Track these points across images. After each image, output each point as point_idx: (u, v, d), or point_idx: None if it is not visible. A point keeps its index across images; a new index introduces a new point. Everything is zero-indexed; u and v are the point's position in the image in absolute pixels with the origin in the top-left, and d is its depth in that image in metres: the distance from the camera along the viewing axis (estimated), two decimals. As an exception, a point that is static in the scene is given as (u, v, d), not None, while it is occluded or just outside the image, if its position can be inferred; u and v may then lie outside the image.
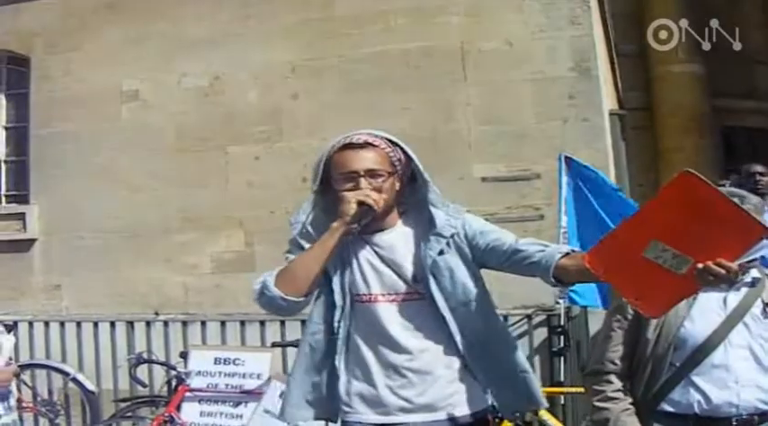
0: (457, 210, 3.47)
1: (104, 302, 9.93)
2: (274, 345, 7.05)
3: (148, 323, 8.24)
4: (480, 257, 3.40)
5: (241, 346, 7.69)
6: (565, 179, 6.63)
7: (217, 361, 6.60)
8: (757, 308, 3.53)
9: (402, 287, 3.37)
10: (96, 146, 10.43)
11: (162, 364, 7.16)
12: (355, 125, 10.08)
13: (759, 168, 7.43)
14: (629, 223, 2.97)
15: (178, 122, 10.23)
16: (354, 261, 3.41)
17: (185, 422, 6.44)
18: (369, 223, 3.34)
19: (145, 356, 7.02)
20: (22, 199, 10.93)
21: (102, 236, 10.19)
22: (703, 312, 3.49)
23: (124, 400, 7.33)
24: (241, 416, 6.42)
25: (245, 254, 9.83)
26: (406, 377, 3.34)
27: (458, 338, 3.35)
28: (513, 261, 3.32)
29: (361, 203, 3.28)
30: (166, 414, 6.47)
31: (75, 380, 7.93)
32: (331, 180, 3.42)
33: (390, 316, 3.35)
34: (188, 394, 6.53)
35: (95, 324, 8.43)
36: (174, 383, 6.80)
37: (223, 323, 8.01)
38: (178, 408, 6.50)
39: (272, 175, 9.74)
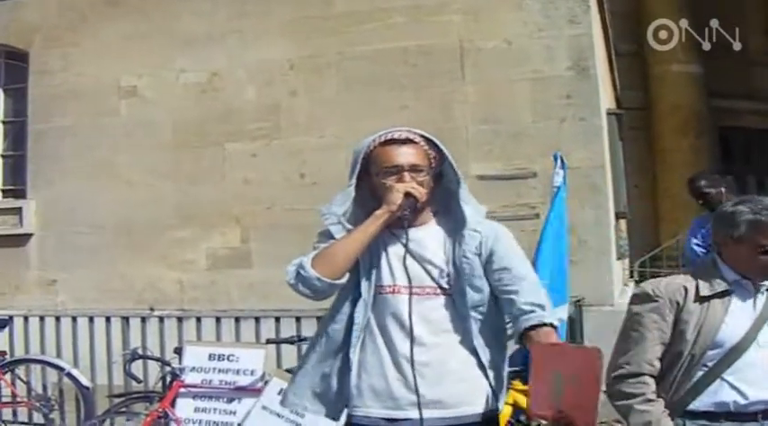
0: (481, 210, 3.51)
1: (100, 297, 9.94)
2: (269, 342, 7.02)
3: (144, 319, 8.21)
4: (486, 272, 3.44)
5: (236, 342, 7.67)
6: (558, 178, 6.61)
7: (211, 357, 6.57)
8: None
9: (427, 281, 3.38)
10: (94, 141, 10.44)
11: (156, 360, 7.13)
12: (353, 122, 10.19)
13: (703, 183, 7.37)
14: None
15: (176, 118, 10.23)
16: (383, 254, 3.43)
17: (179, 418, 6.42)
18: (405, 217, 3.37)
19: (140, 351, 6.98)
20: (19, 193, 10.94)
21: (98, 232, 10.19)
22: (737, 315, 3.53)
23: (119, 395, 7.30)
24: (235, 412, 6.39)
25: (241, 251, 9.84)
26: (417, 369, 3.31)
27: (475, 336, 3.38)
28: (500, 298, 3.41)
29: (407, 194, 3.32)
30: (161, 410, 6.45)
31: (69, 375, 7.89)
32: (369, 174, 3.43)
33: (414, 310, 3.34)
34: (182, 389, 6.51)
35: (91, 320, 8.40)
36: (168, 379, 6.77)
37: (218, 320, 7.99)
38: (172, 404, 6.47)
39: (270, 172, 9.75)
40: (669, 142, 19.19)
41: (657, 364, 3.55)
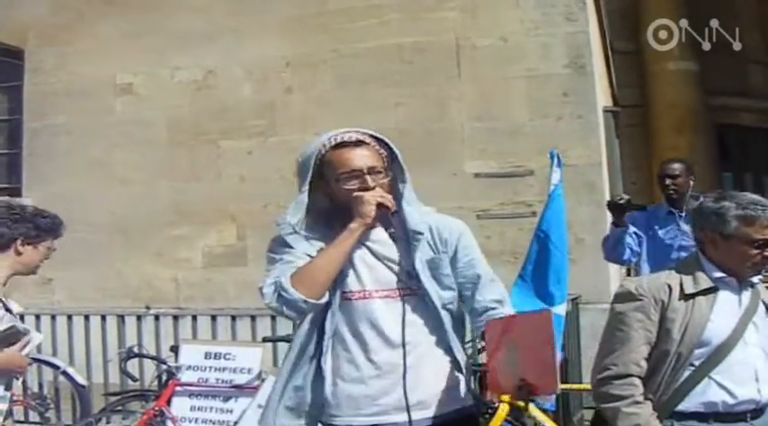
0: (427, 211, 3.51)
1: (96, 296, 9.92)
2: (265, 340, 7.01)
3: (139, 318, 8.21)
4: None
5: (232, 341, 7.66)
6: (555, 176, 6.59)
7: (207, 356, 6.57)
8: (761, 308, 3.60)
9: (396, 282, 3.34)
10: (89, 139, 10.42)
11: (152, 358, 7.13)
12: (349, 120, 10.09)
13: (671, 170, 7.14)
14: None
15: (171, 116, 10.22)
16: (347, 260, 3.35)
17: (175, 417, 6.41)
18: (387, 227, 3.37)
19: (135, 350, 6.98)
20: (15, 192, 10.90)
21: (94, 230, 10.16)
22: (723, 312, 3.51)
23: (114, 394, 7.30)
24: (231, 411, 6.39)
25: (236, 248, 9.83)
26: (398, 373, 3.27)
27: (449, 333, 3.37)
28: (461, 288, 3.45)
29: (380, 204, 3.28)
30: (156, 408, 6.44)
31: (65, 374, 7.89)
32: (323, 179, 3.37)
33: (384, 312, 3.31)
34: (178, 388, 6.51)
35: (86, 318, 8.39)
36: (164, 377, 6.77)
37: (214, 318, 7.99)
38: (168, 402, 6.47)
39: (265, 170, 9.73)
40: (666, 140, 19.16)
41: (644, 364, 3.51)
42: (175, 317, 8.23)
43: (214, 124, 10.04)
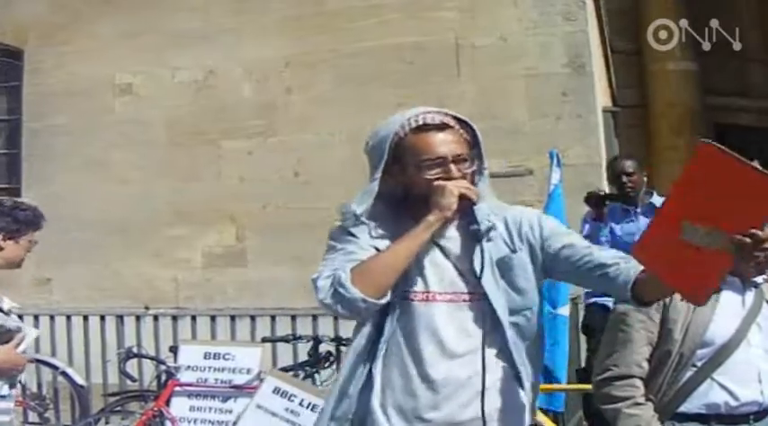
0: (502, 206, 3.12)
1: (95, 296, 9.92)
2: (264, 340, 7.01)
3: (138, 318, 8.20)
4: (549, 262, 3.02)
5: (231, 341, 7.66)
6: (555, 176, 6.60)
7: (206, 356, 6.55)
8: (765, 308, 3.59)
9: (462, 285, 2.96)
10: (89, 139, 10.41)
11: (151, 358, 7.12)
12: (348, 120, 10.15)
13: (626, 168, 7.09)
14: (661, 209, 2.75)
15: (171, 116, 10.21)
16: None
17: (174, 417, 6.40)
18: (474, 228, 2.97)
19: (134, 350, 6.97)
20: (14, 192, 10.88)
21: (93, 230, 10.16)
22: (725, 312, 3.49)
23: (113, 394, 7.29)
24: (231, 411, 6.38)
25: (236, 249, 9.83)
26: (452, 386, 2.91)
27: (513, 346, 2.96)
28: (583, 271, 2.94)
29: (462, 196, 2.91)
30: (156, 409, 6.44)
31: (64, 374, 7.89)
32: (399, 164, 3.00)
33: (446, 318, 2.93)
34: (177, 388, 6.49)
35: (85, 318, 8.39)
36: (163, 377, 6.76)
37: (213, 318, 7.98)
38: (167, 402, 6.46)
39: (265, 170, 9.73)
40: (665, 139, 19.14)
41: (646, 365, 3.50)
42: (174, 318, 8.22)
43: (214, 124, 10.04)
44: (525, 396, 2.99)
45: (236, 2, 10.14)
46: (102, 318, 8.39)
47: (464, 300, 2.96)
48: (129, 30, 10.37)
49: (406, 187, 3.02)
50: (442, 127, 2.97)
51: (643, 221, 6.80)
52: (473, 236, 2.97)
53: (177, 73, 10.24)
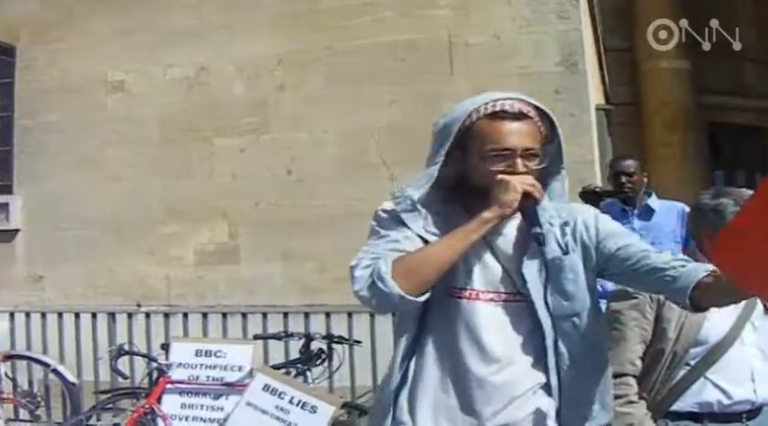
0: (569, 207, 2.92)
1: (87, 293, 9.90)
2: (256, 337, 7.01)
3: (130, 315, 8.20)
4: (603, 263, 2.85)
5: (223, 338, 7.65)
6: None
7: (198, 353, 6.53)
8: (760, 307, 3.58)
9: (506, 285, 2.80)
10: (81, 136, 10.39)
11: (143, 356, 7.11)
12: (341, 117, 10.16)
13: (626, 167, 7.03)
14: (748, 209, 2.54)
15: (163, 113, 10.19)
16: None
17: (166, 414, 6.38)
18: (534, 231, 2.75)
19: (126, 348, 6.96)
20: (6, 189, 10.87)
21: (85, 227, 10.15)
22: (719, 311, 3.47)
23: (105, 392, 7.29)
24: (222, 408, 6.36)
25: (228, 246, 9.81)
26: (485, 390, 2.76)
27: (551, 353, 2.79)
28: (640, 273, 2.77)
29: (526, 194, 2.70)
30: (147, 406, 6.42)
31: (55, 372, 7.88)
32: (464, 150, 2.80)
33: (487, 319, 2.78)
34: (169, 386, 6.47)
35: (77, 316, 8.38)
36: (155, 375, 6.74)
37: (205, 315, 7.98)
38: (159, 400, 6.44)
39: (257, 167, 9.72)
40: (658, 138, 19.18)
41: (639, 364, 3.48)
42: (166, 315, 8.22)
43: (206, 122, 10.02)
44: (555, 409, 2.80)
45: (229, -1, 10.15)
46: (94, 316, 8.39)
47: (504, 300, 2.80)
48: (121, 27, 10.34)
49: (463, 175, 2.83)
50: (519, 116, 2.77)
51: (637, 223, 6.80)
52: (531, 238, 2.77)
53: (169, 70, 10.22)
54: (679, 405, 3.46)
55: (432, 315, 2.80)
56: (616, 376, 3.39)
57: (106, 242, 10.10)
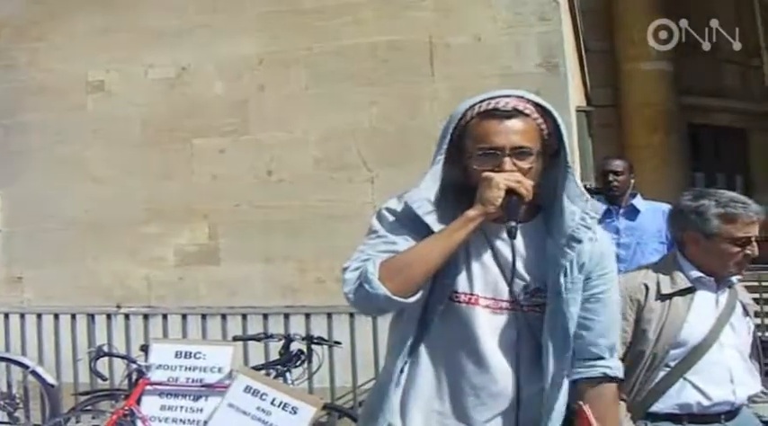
0: (595, 209, 2.81)
1: (67, 294, 9.84)
2: (236, 339, 7.00)
3: (110, 316, 8.17)
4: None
5: (202, 339, 7.63)
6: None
7: (178, 355, 6.51)
8: (739, 308, 3.61)
9: (507, 293, 2.75)
10: (61, 136, 10.34)
11: (122, 357, 7.08)
12: (321, 118, 10.14)
13: (614, 166, 7.07)
14: None
15: (144, 114, 10.15)
16: (461, 252, 2.73)
17: (145, 416, 6.36)
18: (509, 226, 2.68)
19: (105, 349, 6.93)
20: (-15, 189, 10.83)
21: (65, 228, 10.10)
22: (699, 313, 3.50)
23: (84, 393, 7.26)
24: (201, 410, 6.34)
25: (209, 247, 9.78)
26: (480, 397, 2.75)
27: (548, 367, 2.77)
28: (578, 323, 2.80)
29: (510, 191, 2.63)
30: (126, 408, 6.40)
31: (34, 373, 7.85)
32: (461, 150, 2.78)
33: (485, 326, 2.75)
34: (148, 387, 6.45)
35: (56, 317, 8.35)
36: (134, 376, 6.72)
37: (185, 317, 7.96)
38: (138, 401, 6.42)
39: (238, 168, 9.70)
40: (639, 139, 19.30)
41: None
42: (146, 316, 8.19)
43: (187, 122, 9.99)
44: (542, 415, 2.78)
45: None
46: (74, 317, 8.35)
47: (502, 308, 2.76)
48: (102, 26, 10.30)
49: (464, 175, 2.79)
50: (513, 114, 2.72)
51: (623, 222, 6.83)
52: (532, 240, 2.78)
53: (150, 70, 10.19)
54: (658, 407, 3.47)
55: (430, 319, 2.77)
56: None
57: (86, 243, 10.06)
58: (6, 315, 8.46)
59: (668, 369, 3.47)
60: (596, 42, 17.89)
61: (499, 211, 2.65)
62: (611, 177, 7.02)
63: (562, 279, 2.72)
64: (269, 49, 9.85)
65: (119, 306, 9.00)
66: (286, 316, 7.46)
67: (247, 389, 5.94)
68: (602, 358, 2.82)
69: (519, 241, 2.73)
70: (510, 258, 2.73)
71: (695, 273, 3.55)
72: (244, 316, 7.68)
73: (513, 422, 2.76)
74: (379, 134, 8.97)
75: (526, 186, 2.65)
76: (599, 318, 2.80)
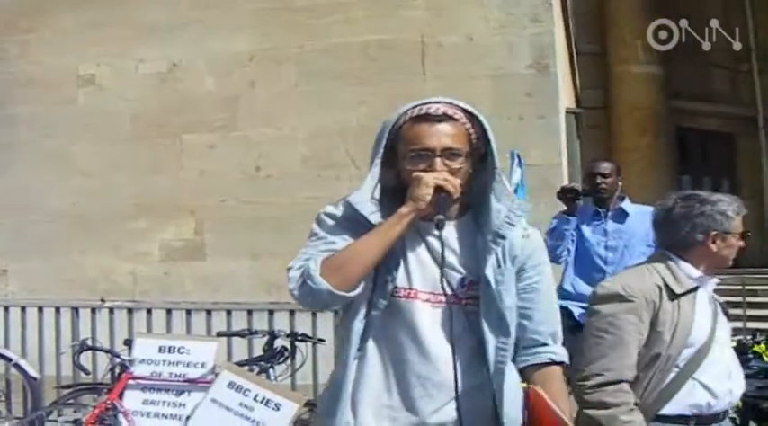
0: (521, 208, 2.95)
1: (52, 287, 9.83)
2: (219, 334, 6.98)
3: (94, 310, 8.13)
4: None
5: (186, 335, 7.61)
6: (515, 176, 6.60)
7: (161, 349, 6.48)
8: (719, 307, 3.61)
9: (445, 287, 2.86)
10: (50, 129, 10.33)
11: (106, 351, 7.04)
12: (311, 116, 10.14)
13: (602, 169, 7.09)
14: None
15: (134, 108, 10.16)
16: (399, 249, 2.87)
17: (127, 410, 6.33)
18: (437, 220, 2.80)
19: (89, 343, 6.89)
20: (-28, 181, 10.81)
21: (52, 221, 10.09)
22: (702, 312, 3.49)
23: (66, 387, 7.21)
24: (184, 405, 6.31)
25: (194, 243, 9.78)
26: (426, 388, 2.87)
27: (489, 355, 2.89)
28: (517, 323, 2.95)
29: (438, 188, 2.78)
30: (109, 402, 6.36)
31: (17, 366, 7.78)
32: (396, 154, 2.90)
33: (426, 319, 2.88)
34: (131, 381, 6.42)
35: (40, 310, 8.29)
36: (117, 370, 6.69)
37: (169, 312, 7.92)
38: (121, 396, 6.38)
39: (226, 164, 9.71)
40: (627, 141, 19.33)
41: (635, 369, 3.42)
42: (130, 310, 8.15)
43: (176, 117, 9.99)
44: (495, 408, 2.90)
45: (204, -5, 10.13)
46: (58, 310, 8.31)
47: (441, 301, 2.88)
48: (93, 20, 10.30)
49: (399, 177, 2.91)
50: (442, 118, 2.86)
51: (611, 225, 6.82)
52: (465, 237, 2.91)
53: (141, 65, 10.18)
54: (670, 408, 3.42)
55: (374, 314, 2.89)
56: (614, 382, 3.38)
57: (72, 236, 10.05)
58: (-9, 308, 8.43)
59: (677, 370, 3.42)
60: (587, 44, 17.91)
61: (429, 208, 2.78)
62: (598, 179, 7.00)
63: (490, 272, 2.86)
64: (260, 46, 9.85)
65: (103, 300, 8.95)
66: (270, 313, 7.43)
67: (231, 385, 5.92)
68: (545, 344, 2.96)
69: (453, 237, 2.91)
70: (446, 255, 2.86)
71: (697, 272, 3.54)
72: (228, 312, 7.65)
73: (456, 412, 2.85)
74: (368, 133, 8.85)
75: (453, 183, 2.80)
76: (537, 307, 2.96)
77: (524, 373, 2.96)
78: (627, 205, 6.98)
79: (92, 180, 10.11)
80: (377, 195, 2.90)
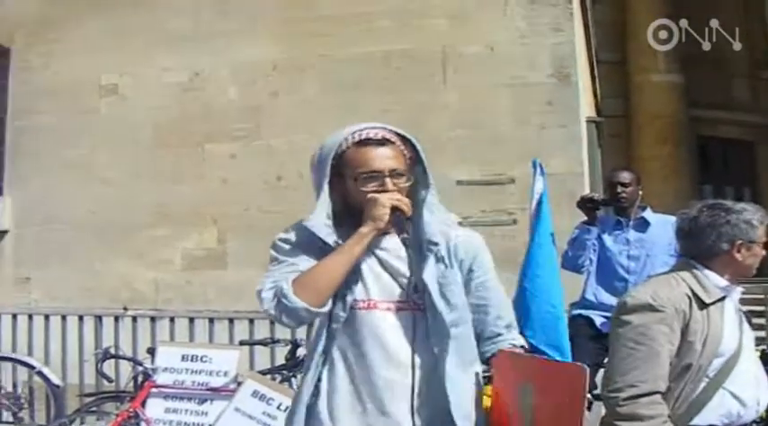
0: (451, 221, 3.25)
1: (74, 296, 9.86)
2: (242, 343, 7.01)
3: (117, 319, 8.18)
4: (465, 287, 3.24)
5: (209, 343, 7.64)
6: (538, 185, 6.56)
7: (184, 358, 6.53)
8: (743, 316, 3.62)
9: (400, 295, 3.11)
10: (73, 139, 10.37)
11: (129, 359, 7.09)
12: (334, 125, 10.06)
13: (622, 178, 7.07)
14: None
15: (156, 117, 10.18)
16: (354, 265, 3.10)
17: (150, 419, 6.38)
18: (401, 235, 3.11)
19: (112, 351, 6.94)
20: (-4, 190, 10.86)
21: (74, 230, 10.12)
22: (730, 321, 3.49)
23: (89, 395, 7.27)
24: (206, 413, 6.36)
25: (216, 252, 9.79)
26: (395, 391, 3.05)
27: (449, 356, 3.09)
28: (472, 305, 3.23)
29: (394, 208, 3.05)
30: (131, 410, 6.41)
31: (40, 374, 7.86)
32: (340, 176, 3.15)
33: (387, 326, 3.09)
34: (154, 390, 6.47)
35: (63, 318, 8.37)
36: (140, 379, 6.73)
37: (192, 320, 7.97)
38: (143, 404, 6.43)
39: (248, 173, 9.72)
40: (648, 150, 19.29)
41: (667, 380, 3.40)
42: (153, 319, 8.21)
43: (199, 126, 10.01)
44: (452, 406, 3.07)
45: (226, 4, 10.12)
46: (81, 318, 8.36)
47: (399, 309, 3.11)
48: (116, 29, 10.33)
49: (344, 198, 3.16)
50: (383, 142, 3.13)
51: (633, 234, 6.81)
52: (412, 248, 3.09)
53: (164, 74, 10.21)
54: (701, 419, 3.41)
55: (337, 328, 3.11)
56: (648, 394, 3.34)
57: (95, 244, 10.07)
58: (14, 316, 8.47)
59: (707, 380, 3.40)
60: (607, 53, 17.88)
61: (387, 226, 3.07)
62: (618, 189, 7.00)
63: (428, 275, 3.10)
64: (283, 55, 9.87)
65: (126, 309, 9.01)
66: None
67: (254, 394, 5.96)
68: (503, 334, 3.25)
69: (398, 248, 3.13)
70: (393, 263, 3.15)
71: (723, 281, 3.53)
72: (251, 321, 7.68)
73: (410, 410, 3.05)
74: (391, 142, 8.97)
75: (406, 203, 3.08)
76: (490, 302, 3.24)
77: (490, 362, 3.21)
78: (648, 214, 6.97)
79: (114, 188, 10.14)
80: (329, 218, 3.12)
